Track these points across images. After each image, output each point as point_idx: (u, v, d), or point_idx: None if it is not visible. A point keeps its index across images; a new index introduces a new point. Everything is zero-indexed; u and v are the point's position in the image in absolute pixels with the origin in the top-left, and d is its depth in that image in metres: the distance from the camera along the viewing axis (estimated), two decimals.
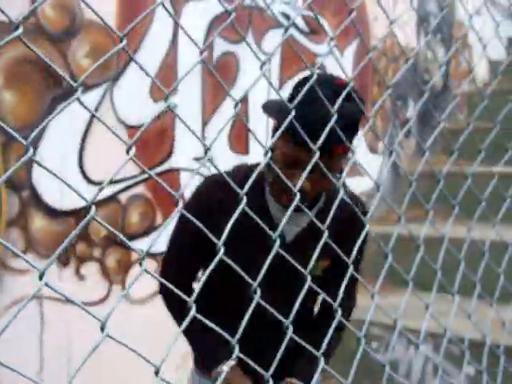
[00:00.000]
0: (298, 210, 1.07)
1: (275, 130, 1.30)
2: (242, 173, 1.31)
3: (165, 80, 2.81)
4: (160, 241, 2.94)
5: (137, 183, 2.81)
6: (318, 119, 1.02)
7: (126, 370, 2.70)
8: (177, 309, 1.47)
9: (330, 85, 1.16)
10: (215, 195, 1.35)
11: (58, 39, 2.44)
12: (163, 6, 0.62)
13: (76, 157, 2.56)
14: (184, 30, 0.68)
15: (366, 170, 0.96)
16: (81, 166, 2.57)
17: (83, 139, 2.58)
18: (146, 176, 2.83)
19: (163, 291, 1.57)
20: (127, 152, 0.60)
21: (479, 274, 1.53)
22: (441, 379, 2.53)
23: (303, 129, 0.93)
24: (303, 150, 1.10)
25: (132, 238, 2.80)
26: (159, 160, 2.91)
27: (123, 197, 2.76)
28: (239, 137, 3.29)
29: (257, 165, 1.28)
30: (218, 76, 0.69)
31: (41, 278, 0.54)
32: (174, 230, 1.50)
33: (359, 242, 1.02)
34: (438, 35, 5.58)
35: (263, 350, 1.13)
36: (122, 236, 0.58)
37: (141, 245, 2.83)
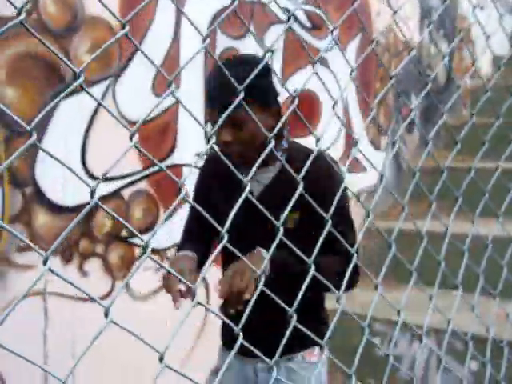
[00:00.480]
0: (259, 167, 1.29)
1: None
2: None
3: (167, 73, 2.80)
4: (163, 238, 2.93)
5: (140, 179, 2.81)
6: (216, 85, 1.46)
7: (129, 361, 2.71)
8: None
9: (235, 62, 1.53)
10: (210, 166, 1.74)
11: (59, 35, 2.44)
12: None
13: (79, 153, 2.56)
14: (187, 17, 0.68)
15: (368, 159, 0.96)
16: (83, 162, 2.58)
17: (86, 135, 2.58)
18: (148, 172, 2.83)
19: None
20: (130, 139, 0.59)
21: (482, 267, 1.53)
22: (444, 374, 2.53)
23: (209, 94, 1.45)
24: (215, 111, 1.44)
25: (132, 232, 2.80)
26: (162, 156, 2.91)
27: (126, 193, 2.76)
28: None
29: None
30: (222, 66, 0.68)
31: (45, 262, 0.54)
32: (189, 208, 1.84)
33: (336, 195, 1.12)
34: (440, 31, 5.57)
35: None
36: (124, 222, 0.58)
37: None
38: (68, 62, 0.56)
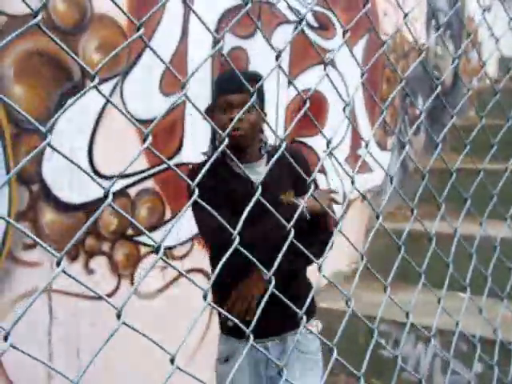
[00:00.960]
0: (253, 160, 1.83)
1: (211, 110, 1.91)
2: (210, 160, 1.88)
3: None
4: (169, 236, 2.93)
5: (146, 178, 2.82)
6: (233, 77, 1.66)
7: (135, 358, 2.71)
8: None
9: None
10: (205, 177, 1.79)
11: (68, 33, 2.44)
12: None
13: (86, 151, 2.57)
14: (200, 18, 0.68)
15: (378, 162, 0.96)
16: (90, 160, 2.58)
17: (93, 134, 2.58)
18: (155, 170, 2.84)
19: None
20: (144, 140, 0.60)
21: (490, 270, 1.53)
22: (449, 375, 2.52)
23: (227, 84, 1.75)
24: (229, 94, 1.75)
25: (141, 232, 2.81)
26: (169, 155, 2.92)
27: (132, 191, 2.77)
28: None
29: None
30: (233, 64, 0.68)
31: (58, 264, 0.54)
32: (199, 215, 1.85)
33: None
34: (447, 32, 5.55)
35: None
36: (138, 224, 0.58)
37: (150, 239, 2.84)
38: (84, 65, 0.56)
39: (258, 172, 1.84)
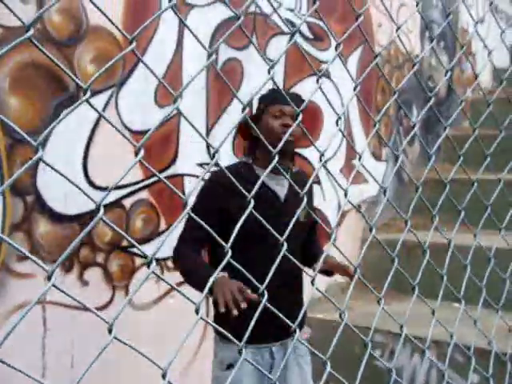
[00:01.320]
0: (279, 173, 1.86)
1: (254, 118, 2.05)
2: (240, 165, 2.05)
3: (169, 83, 2.81)
4: (164, 247, 2.93)
5: (141, 189, 2.81)
6: (287, 93, 1.97)
7: (129, 376, 2.69)
8: (190, 263, 1.90)
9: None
10: (226, 181, 1.83)
11: (63, 45, 2.45)
12: (172, 9, 0.62)
13: (80, 162, 2.56)
14: (191, 32, 0.68)
15: (371, 174, 0.96)
16: (85, 172, 2.58)
17: (88, 145, 2.58)
18: (150, 181, 2.84)
19: (179, 255, 1.97)
20: (136, 154, 0.59)
21: (484, 281, 1.53)
22: None
23: (283, 96, 1.81)
24: (284, 105, 1.96)
25: (136, 243, 2.80)
26: (163, 166, 2.92)
27: (127, 202, 2.76)
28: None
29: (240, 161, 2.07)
30: (225, 78, 0.68)
31: (49, 278, 0.54)
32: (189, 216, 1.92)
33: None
34: (441, 43, 5.59)
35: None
36: (130, 238, 0.58)
37: (145, 250, 2.83)
38: (75, 78, 0.56)
39: (283, 185, 2.02)
